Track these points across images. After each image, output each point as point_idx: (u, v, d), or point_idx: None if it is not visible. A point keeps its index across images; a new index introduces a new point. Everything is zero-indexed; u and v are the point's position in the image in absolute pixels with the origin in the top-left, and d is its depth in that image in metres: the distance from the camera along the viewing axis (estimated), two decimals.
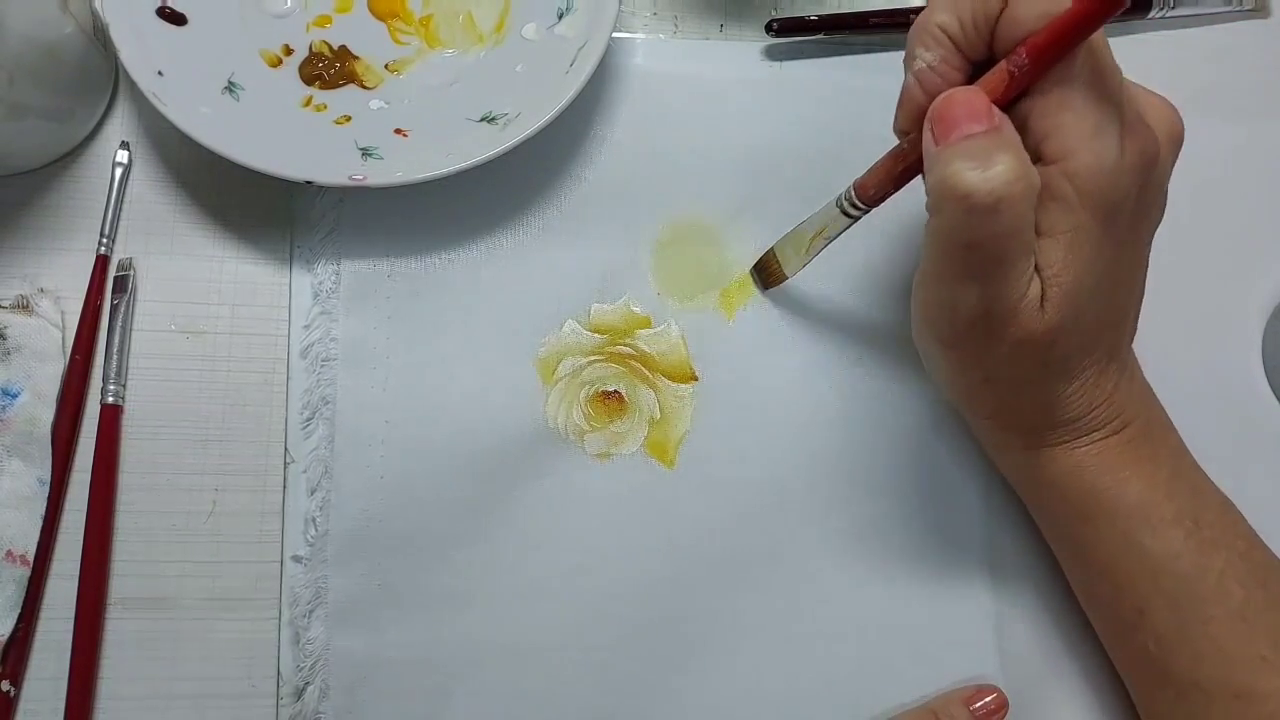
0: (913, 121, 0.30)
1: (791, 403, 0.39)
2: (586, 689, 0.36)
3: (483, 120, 0.38)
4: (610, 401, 0.38)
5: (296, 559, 0.35)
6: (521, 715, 0.35)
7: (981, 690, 0.36)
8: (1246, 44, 0.45)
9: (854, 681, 0.37)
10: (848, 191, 0.33)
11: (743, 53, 0.43)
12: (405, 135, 0.38)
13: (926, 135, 0.28)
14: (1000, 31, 0.28)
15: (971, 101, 0.27)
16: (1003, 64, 0.27)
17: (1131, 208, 0.29)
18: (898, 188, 0.32)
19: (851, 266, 0.40)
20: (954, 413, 0.39)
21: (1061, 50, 0.26)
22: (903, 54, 0.44)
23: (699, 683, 0.36)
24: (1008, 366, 0.31)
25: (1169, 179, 0.31)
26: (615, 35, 0.39)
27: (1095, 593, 0.35)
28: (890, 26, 0.43)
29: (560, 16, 0.40)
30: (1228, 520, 0.33)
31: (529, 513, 0.37)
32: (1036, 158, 0.28)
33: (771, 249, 0.38)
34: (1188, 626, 0.31)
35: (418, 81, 0.40)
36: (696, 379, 0.39)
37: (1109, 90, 0.27)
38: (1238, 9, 0.45)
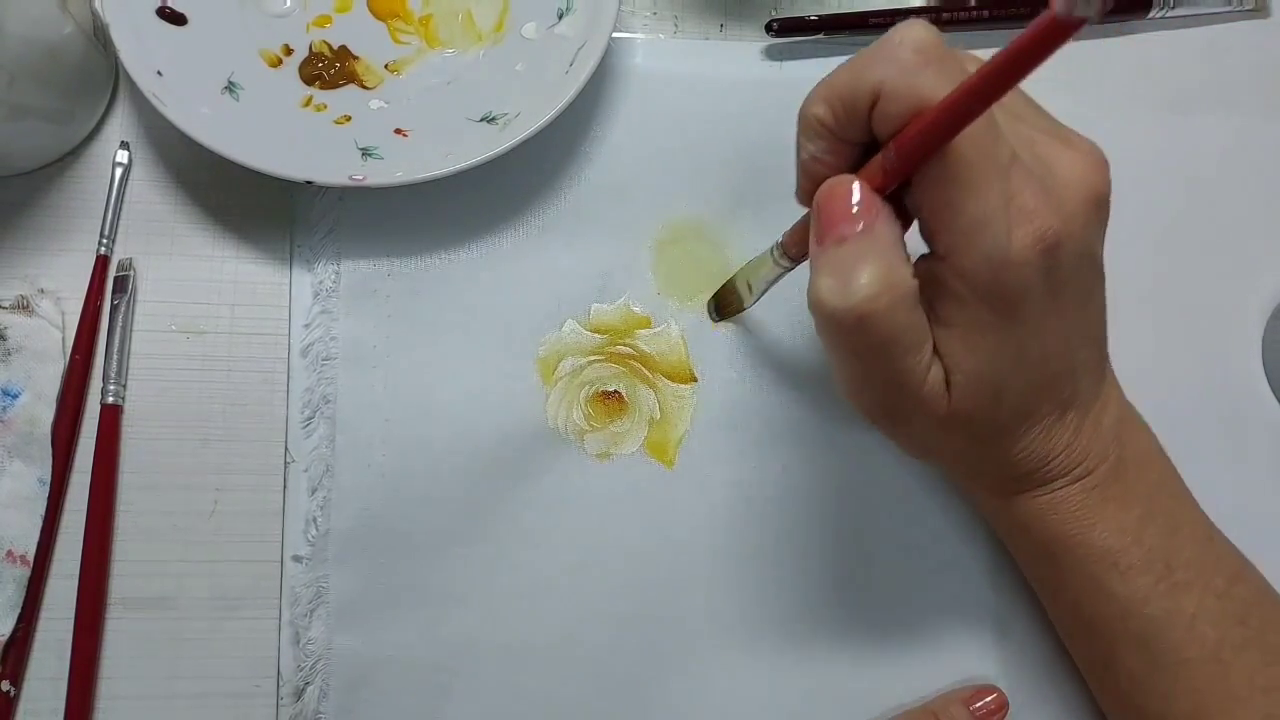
0: (808, 197, 0.28)
1: (791, 403, 0.39)
2: (586, 689, 0.36)
3: (483, 120, 0.38)
4: (610, 401, 0.38)
5: (297, 559, 0.35)
6: (521, 715, 0.35)
7: (981, 690, 0.36)
8: (1246, 44, 0.45)
9: (854, 681, 0.37)
10: (778, 241, 0.32)
11: (743, 53, 0.43)
12: (405, 135, 0.38)
13: (814, 226, 0.27)
14: (875, 124, 0.26)
15: (844, 198, 0.26)
16: (878, 156, 0.26)
17: (1041, 292, 0.26)
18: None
19: None
20: None
21: (929, 147, 0.24)
22: None
23: (698, 682, 0.36)
24: (936, 441, 0.30)
25: (1095, 241, 0.28)
26: (615, 35, 0.39)
27: (1067, 629, 0.35)
28: (890, 26, 0.43)
29: (560, 16, 0.40)
30: (1207, 559, 0.32)
31: (529, 512, 0.37)
32: (930, 251, 0.27)
33: (725, 284, 0.38)
34: (1159, 668, 0.31)
35: (418, 81, 0.40)
36: (696, 379, 0.39)
37: (990, 180, 0.25)
38: (1237, 9, 0.45)
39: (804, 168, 0.28)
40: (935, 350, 0.27)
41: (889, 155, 0.25)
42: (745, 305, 0.37)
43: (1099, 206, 0.27)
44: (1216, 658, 0.30)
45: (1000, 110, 0.24)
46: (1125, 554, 0.31)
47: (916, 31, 0.25)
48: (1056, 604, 0.35)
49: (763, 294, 0.36)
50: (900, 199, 0.27)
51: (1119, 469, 0.31)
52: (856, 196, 0.26)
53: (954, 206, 0.25)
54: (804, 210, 0.30)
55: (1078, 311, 0.29)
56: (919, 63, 0.25)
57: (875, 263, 0.25)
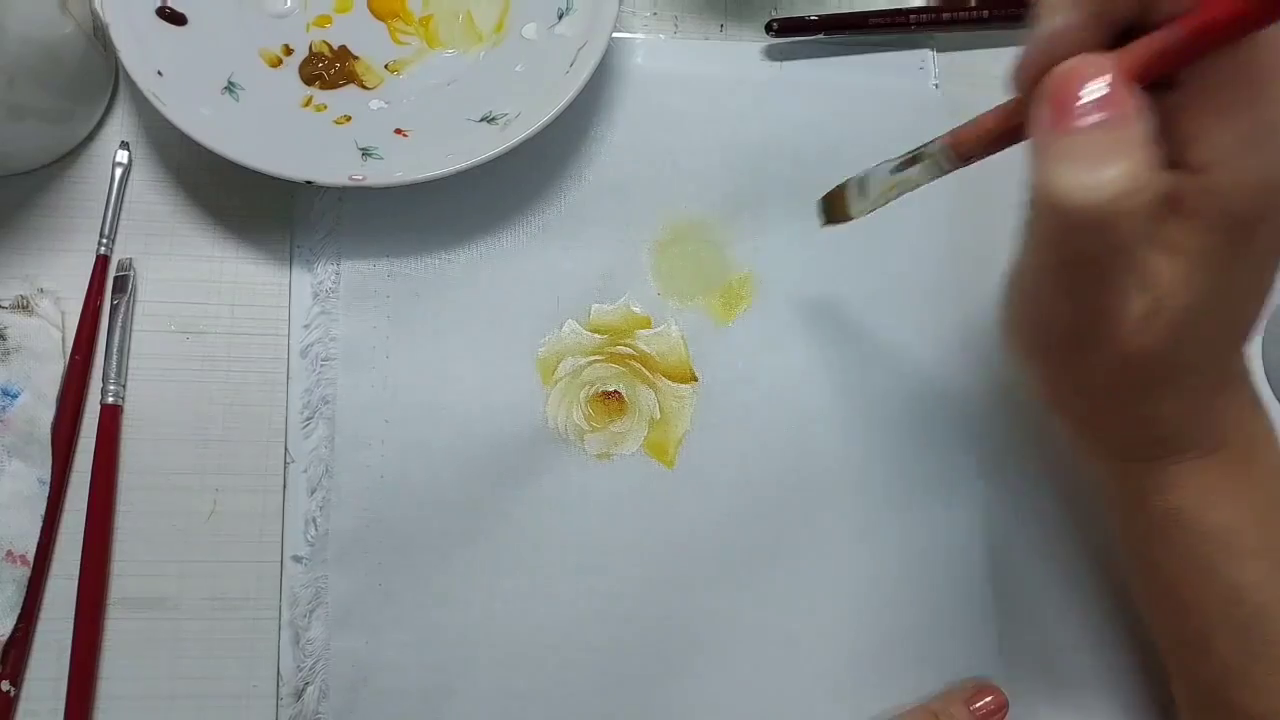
0: (1032, 84, 0.25)
1: (791, 403, 0.39)
2: (586, 689, 0.36)
3: (483, 120, 0.38)
4: (610, 401, 0.38)
5: (296, 559, 0.35)
6: (521, 715, 0.35)
7: (981, 690, 0.36)
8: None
9: (854, 681, 0.37)
10: (939, 145, 0.29)
11: (743, 53, 0.43)
12: (405, 135, 0.38)
13: (1038, 109, 0.23)
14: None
15: (1097, 78, 0.23)
16: (1157, 35, 0.22)
17: (1274, 228, 0.24)
18: (997, 150, 0.28)
19: (852, 267, 0.40)
20: (953, 414, 0.39)
21: (1232, 33, 0.21)
22: (901, 54, 0.43)
23: (699, 682, 0.36)
24: (1101, 380, 0.27)
25: None
26: (615, 35, 0.39)
27: (1160, 608, 0.33)
28: (890, 26, 0.43)
29: (560, 16, 0.40)
30: None
31: (529, 513, 0.37)
32: (1175, 162, 0.24)
33: (843, 185, 0.34)
34: (1255, 660, 0.30)
35: (418, 81, 0.40)
36: (696, 379, 0.39)
37: (1275, 95, 0.23)
38: None
39: (1046, 41, 0.24)
40: (1143, 281, 0.25)
41: (1175, 34, 0.22)
42: (854, 215, 0.34)
43: None
44: None
45: None
46: (1243, 537, 0.29)
47: None
48: (1153, 582, 0.33)
49: (890, 201, 0.32)
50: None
51: (1250, 449, 0.30)
52: (1110, 76, 0.23)
53: (1236, 111, 0.23)
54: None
55: (1277, 264, 0.27)
56: None
57: (1133, 156, 0.22)
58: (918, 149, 0.30)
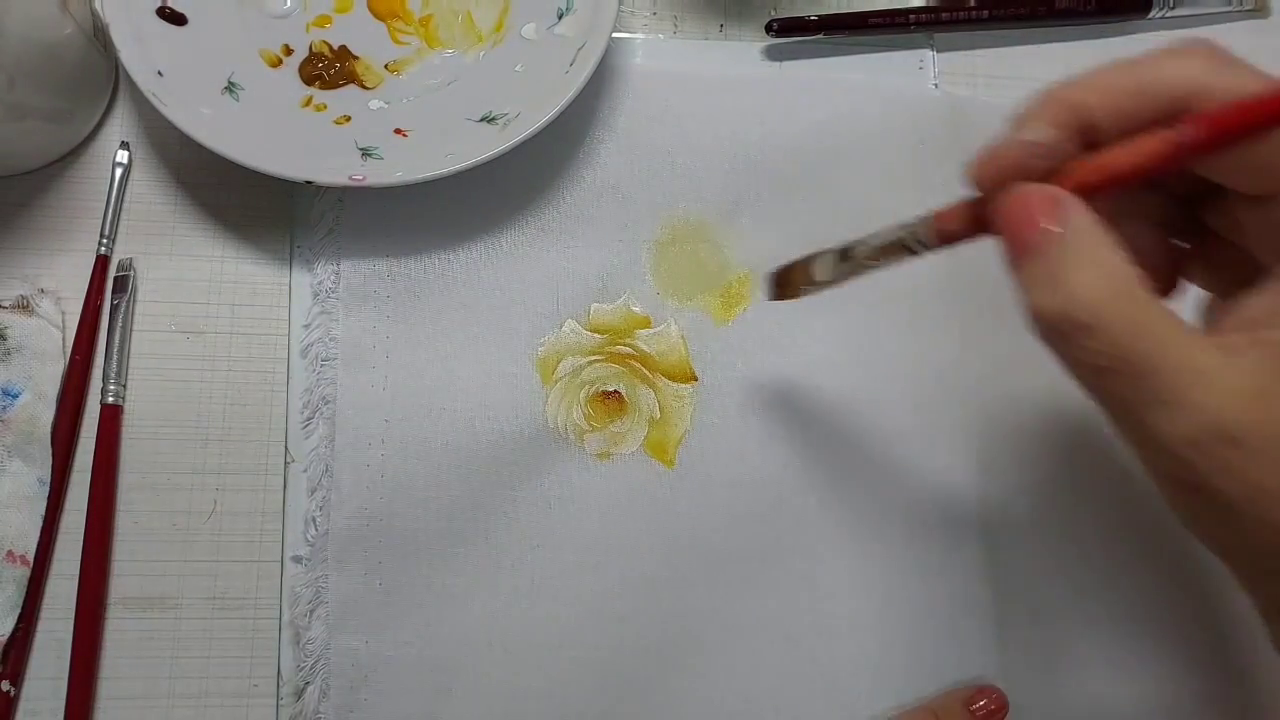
0: (990, 183, 0.26)
1: (791, 403, 0.39)
2: (586, 689, 0.36)
3: (483, 120, 0.38)
4: (610, 401, 0.38)
5: (296, 559, 0.35)
6: (521, 715, 0.35)
7: (981, 690, 0.36)
8: (1246, 44, 0.44)
9: (853, 681, 0.37)
10: (918, 224, 0.28)
11: (743, 53, 0.43)
12: (405, 135, 0.38)
13: (1004, 240, 0.25)
14: (1178, 120, 0.23)
15: (1032, 205, 0.24)
16: (1159, 132, 0.23)
17: None
18: (976, 237, 0.27)
19: None
20: (954, 413, 0.39)
21: (1253, 127, 0.22)
22: (900, 54, 0.43)
23: (698, 682, 0.36)
24: (1255, 477, 0.22)
25: None
26: (615, 35, 0.39)
27: None
28: (890, 26, 0.43)
29: (560, 16, 0.40)
30: None
31: (529, 512, 0.37)
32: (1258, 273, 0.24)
33: (803, 260, 0.33)
34: None
35: (417, 81, 0.40)
36: (696, 379, 0.39)
37: None
38: (1238, 9, 0.45)
39: (1018, 149, 0.25)
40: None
41: (1186, 131, 0.23)
42: (817, 290, 0.33)
43: None
44: None
45: None
46: None
47: (1208, 46, 0.25)
48: None
49: (848, 280, 0.31)
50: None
51: None
52: (1045, 198, 0.24)
53: None
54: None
55: None
56: (1224, 61, 0.24)
57: (1085, 258, 0.23)
58: (872, 235, 0.30)
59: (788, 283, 0.34)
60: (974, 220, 0.27)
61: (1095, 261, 0.23)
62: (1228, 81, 0.23)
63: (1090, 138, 0.25)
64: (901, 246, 0.29)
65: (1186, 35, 0.22)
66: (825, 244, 0.32)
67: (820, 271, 0.32)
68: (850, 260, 0.31)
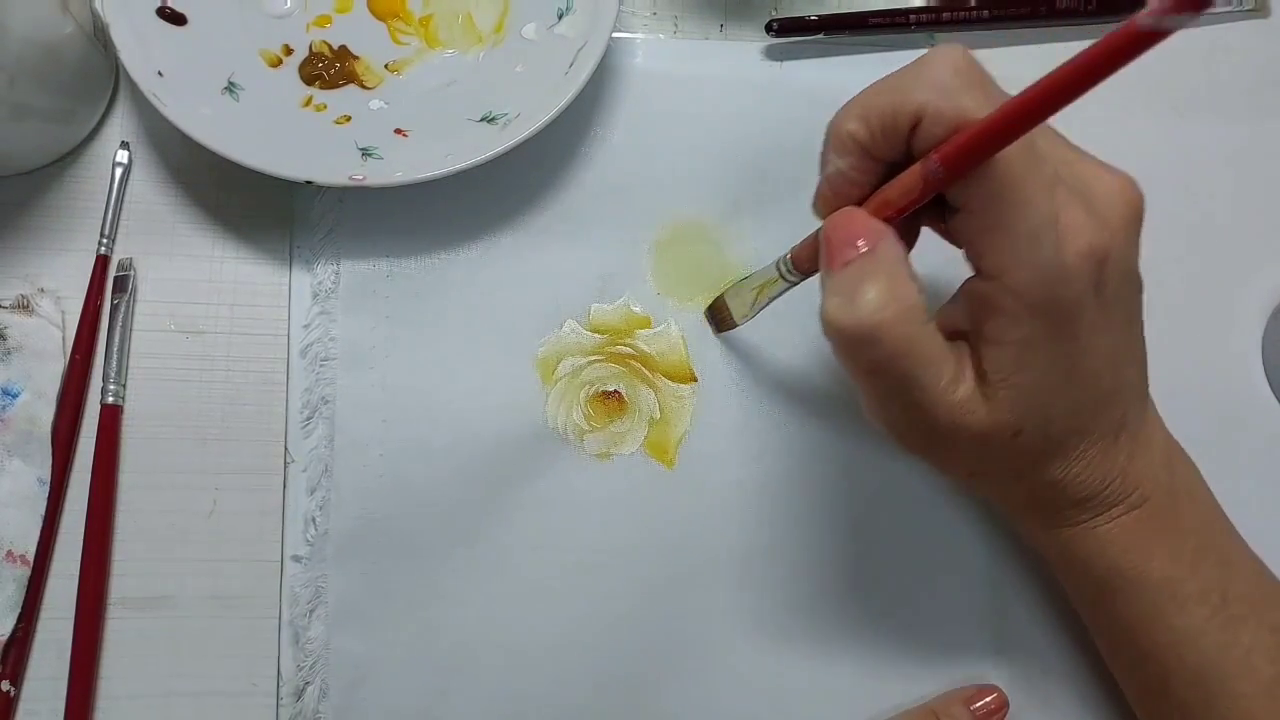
0: (827, 212, 0.29)
1: (791, 403, 0.39)
2: (586, 689, 0.36)
3: (483, 120, 0.38)
4: (610, 401, 0.38)
5: (296, 559, 0.35)
6: (521, 715, 0.35)
7: (981, 690, 0.36)
8: (1246, 44, 0.45)
9: (853, 681, 0.37)
10: (785, 256, 0.32)
11: (743, 53, 0.43)
12: (405, 135, 0.38)
13: (821, 254, 0.28)
14: (916, 143, 0.27)
15: (849, 226, 0.27)
16: (916, 166, 0.27)
17: (1092, 306, 0.27)
18: None
19: None
20: None
21: (976, 158, 0.25)
22: (901, 54, 0.44)
23: (698, 682, 0.36)
24: (980, 463, 0.30)
25: (1136, 258, 0.29)
26: (615, 35, 0.39)
27: (1120, 660, 0.34)
28: (890, 26, 0.43)
29: (560, 16, 0.40)
30: (1261, 592, 0.32)
31: (529, 513, 0.37)
32: (978, 272, 0.28)
33: (721, 296, 0.37)
34: (1213, 702, 0.31)
35: (418, 81, 0.40)
36: (696, 379, 0.39)
37: (1037, 196, 0.26)
38: (1238, 9, 0.45)
39: (829, 181, 0.29)
40: (977, 368, 0.28)
41: (931, 165, 0.26)
42: (742, 320, 0.37)
43: (1138, 224, 0.28)
44: (1270, 693, 0.30)
45: (1035, 133, 0.25)
46: (1183, 585, 0.31)
47: (955, 55, 0.26)
48: (1109, 636, 0.34)
49: (763, 308, 0.36)
50: (913, 223, 0.29)
51: (1172, 498, 0.31)
52: (863, 224, 0.27)
53: (1004, 224, 0.26)
54: (816, 224, 0.30)
55: (1124, 329, 0.29)
56: (961, 84, 0.26)
57: (879, 279, 0.26)
58: (765, 269, 0.34)
59: (720, 319, 0.38)
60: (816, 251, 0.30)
61: (890, 285, 0.26)
62: (953, 105, 0.25)
63: (882, 162, 0.28)
64: (779, 279, 0.33)
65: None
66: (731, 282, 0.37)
67: (736, 309, 0.37)
68: (747, 294, 0.36)
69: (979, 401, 0.28)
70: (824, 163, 0.29)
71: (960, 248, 0.28)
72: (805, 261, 0.32)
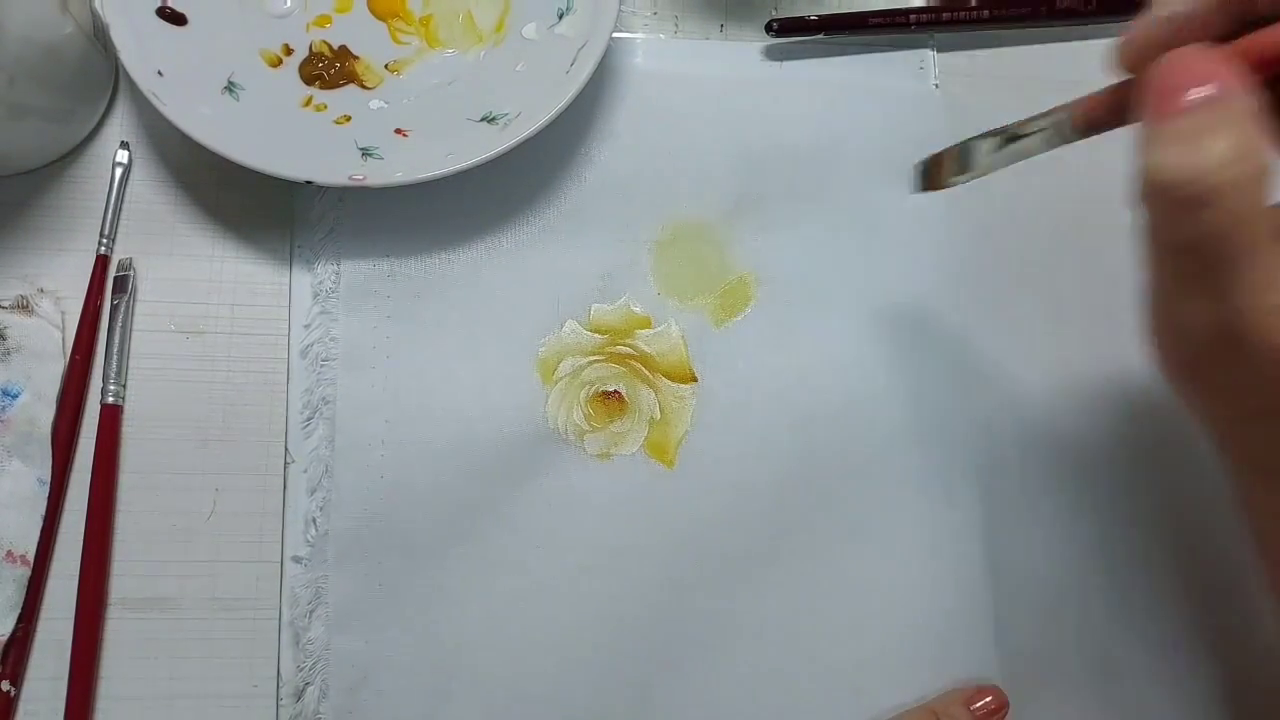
0: (1135, 64, 0.25)
1: (791, 403, 0.39)
2: (586, 689, 0.36)
3: (483, 120, 0.38)
4: (610, 401, 0.38)
5: (296, 559, 0.35)
6: (521, 715, 0.35)
7: (981, 690, 0.36)
8: None
9: (854, 681, 0.37)
10: (1063, 113, 0.28)
11: (743, 53, 0.43)
12: (405, 135, 0.38)
13: (1145, 98, 0.23)
14: None
15: (1195, 65, 0.23)
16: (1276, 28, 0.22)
17: None
18: (1121, 124, 0.27)
19: (853, 266, 0.40)
20: (953, 413, 0.39)
21: None
22: (901, 54, 0.43)
23: (698, 683, 0.36)
24: (1271, 398, 0.24)
25: None
26: (615, 35, 0.39)
27: None
28: (890, 26, 0.43)
29: (560, 16, 0.40)
30: None
31: (529, 513, 0.37)
32: None
33: (941, 153, 0.33)
34: None
35: (418, 81, 0.40)
36: (696, 379, 0.39)
37: None
38: None
39: (1164, 26, 0.24)
40: None
41: None
42: (962, 180, 0.32)
43: None
44: None
45: None
46: None
47: None
48: None
49: (996, 169, 0.31)
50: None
51: None
52: (1213, 65, 0.23)
53: None
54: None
55: None
56: None
57: (1231, 128, 0.22)
58: (1022, 123, 0.29)
59: (937, 172, 0.33)
60: (1120, 106, 0.26)
61: (1246, 141, 0.22)
62: None
63: (1247, 10, 0.23)
64: (1052, 134, 0.28)
65: None
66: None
67: (972, 161, 0.32)
68: (1000, 150, 0.31)
69: None
70: (1159, 4, 0.24)
71: None
72: (1099, 111, 0.27)
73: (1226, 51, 0.23)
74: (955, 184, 0.33)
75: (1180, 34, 0.24)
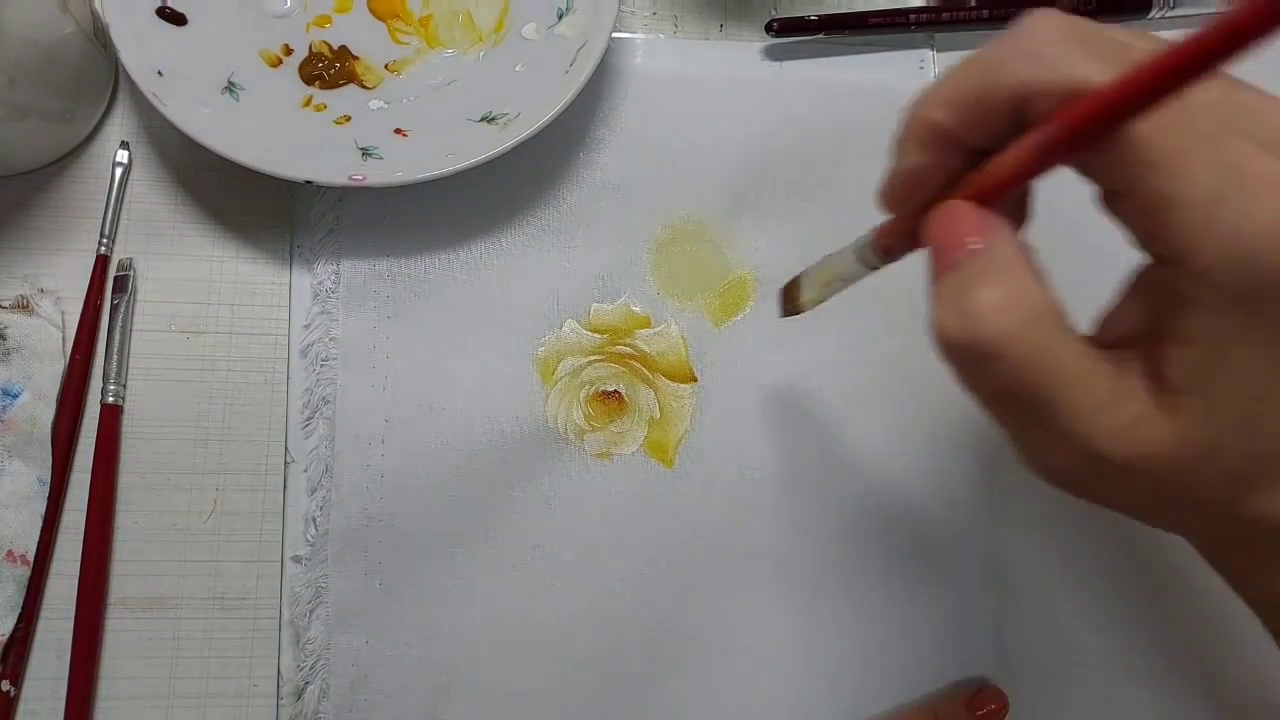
0: (898, 208, 0.26)
1: (791, 403, 0.39)
2: (586, 689, 0.36)
3: (483, 120, 0.38)
4: (610, 401, 0.38)
5: (296, 559, 0.35)
6: (521, 715, 0.35)
7: (982, 690, 0.36)
8: None
9: (853, 681, 0.37)
10: (866, 240, 0.28)
11: (743, 53, 0.43)
12: (405, 135, 0.38)
13: (930, 261, 0.24)
14: (1019, 127, 0.22)
15: (954, 222, 0.23)
16: (1030, 138, 0.22)
17: None
18: (912, 250, 0.27)
19: None
20: (954, 413, 0.39)
21: (1107, 125, 0.20)
22: (901, 54, 0.43)
23: (698, 682, 0.36)
24: (1162, 498, 0.23)
25: None
26: (615, 35, 0.39)
27: None
28: (890, 26, 0.43)
29: (560, 16, 0.40)
30: None
31: (529, 512, 0.37)
32: (1156, 260, 0.22)
33: (797, 277, 0.33)
34: None
35: (418, 81, 0.40)
36: (696, 379, 0.39)
37: (1200, 152, 0.20)
38: None
39: (904, 175, 0.25)
40: (1156, 377, 0.22)
41: (1049, 134, 0.21)
42: (809, 306, 0.33)
43: None
44: None
45: None
46: None
47: (1053, 21, 0.22)
48: None
49: (836, 293, 0.32)
50: (1020, 206, 0.25)
51: None
52: (970, 217, 0.23)
53: (1168, 196, 0.21)
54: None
55: None
56: (1070, 53, 0.21)
57: (995, 280, 0.22)
58: (843, 249, 0.30)
59: (790, 300, 0.34)
60: (910, 235, 0.26)
61: (1009, 286, 0.22)
62: (1065, 77, 0.21)
63: (966, 146, 0.24)
64: (858, 267, 0.29)
65: (1183, 35, 0.21)
66: (813, 259, 0.32)
67: (806, 290, 0.32)
68: (820, 280, 0.31)
69: (1157, 419, 0.22)
70: (899, 154, 0.25)
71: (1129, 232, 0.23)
72: (893, 245, 0.27)
73: (965, 197, 0.23)
74: (808, 309, 0.33)
75: (923, 182, 0.24)
